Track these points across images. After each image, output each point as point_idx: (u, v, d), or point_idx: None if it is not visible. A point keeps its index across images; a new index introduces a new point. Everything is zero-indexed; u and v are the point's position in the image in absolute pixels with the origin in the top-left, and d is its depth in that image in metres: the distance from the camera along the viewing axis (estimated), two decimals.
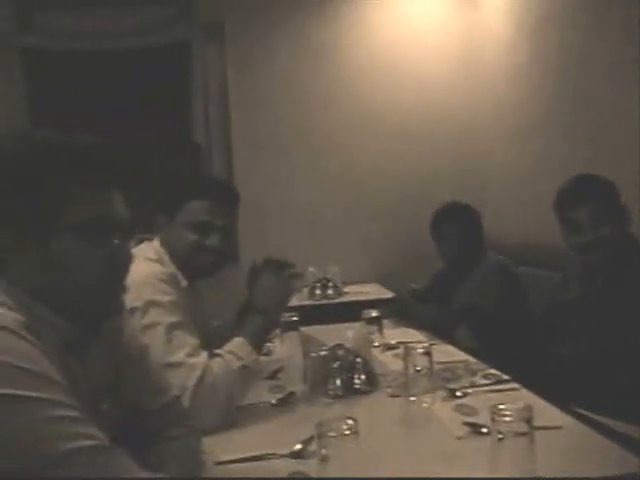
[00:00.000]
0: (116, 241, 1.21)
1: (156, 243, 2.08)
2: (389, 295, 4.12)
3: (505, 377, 2.05)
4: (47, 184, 1.14)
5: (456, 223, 3.27)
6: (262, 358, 2.10)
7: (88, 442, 1.02)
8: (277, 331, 2.27)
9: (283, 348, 2.36)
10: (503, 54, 4.49)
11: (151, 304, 1.84)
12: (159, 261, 2.02)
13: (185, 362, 1.78)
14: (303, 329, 2.40)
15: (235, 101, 4.79)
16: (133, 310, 1.74)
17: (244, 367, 1.86)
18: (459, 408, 1.78)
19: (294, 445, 1.54)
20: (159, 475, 1.19)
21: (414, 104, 4.89)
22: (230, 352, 1.87)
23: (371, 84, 4.88)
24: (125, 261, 1.25)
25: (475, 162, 4.85)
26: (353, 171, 4.87)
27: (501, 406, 1.24)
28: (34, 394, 1.00)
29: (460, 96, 4.90)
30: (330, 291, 4.40)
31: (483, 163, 4.82)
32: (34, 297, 1.14)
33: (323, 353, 1.96)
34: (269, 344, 2.39)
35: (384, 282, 4.59)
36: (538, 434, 1.24)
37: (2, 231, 1.14)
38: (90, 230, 1.17)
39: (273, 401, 1.95)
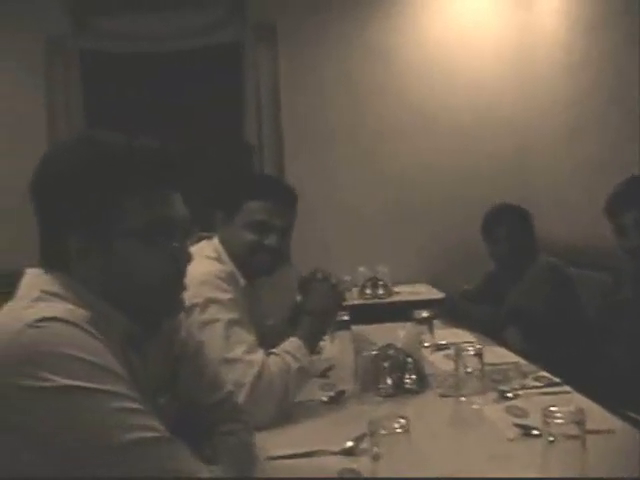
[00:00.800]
0: (176, 243, 1.25)
1: (215, 241, 2.12)
2: (439, 295, 4.11)
3: (556, 380, 2.05)
4: (108, 188, 1.17)
5: (507, 225, 3.25)
6: (313, 356, 2.13)
7: (149, 434, 1.06)
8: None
9: (334, 347, 2.39)
10: (556, 52, 4.44)
11: (210, 301, 1.88)
12: (218, 259, 2.06)
13: (243, 359, 1.81)
14: (354, 328, 2.42)
15: (287, 101, 4.83)
16: (192, 307, 1.78)
17: (301, 368, 1.90)
18: (510, 410, 1.78)
19: (344, 442, 1.56)
20: (214, 467, 1.22)
21: (465, 102, 4.87)
22: (287, 352, 1.90)
23: (421, 83, 4.88)
24: (185, 261, 1.28)
25: (525, 161, 4.81)
26: (404, 171, 4.87)
27: (553, 408, 1.25)
28: (98, 386, 1.04)
29: (511, 94, 4.86)
30: (380, 290, 4.40)
31: (534, 162, 4.78)
32: (97, 295, 1.18)
33: (374, 352, 1.98)
34: (320, 342, 2.41)
35: (434, 282, 4.58)
36: (590, 438, 1.24)
37: (66, 237, 1.17)
38: (152, 233, 1.19)
39: (324, 399, 1.98)
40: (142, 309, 1.23)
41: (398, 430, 1.21)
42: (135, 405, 1.07)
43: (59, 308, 1.10)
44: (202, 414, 1.44)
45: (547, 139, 4.64)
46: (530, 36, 4.79)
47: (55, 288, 1.15)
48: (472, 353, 1.79)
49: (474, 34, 4.89)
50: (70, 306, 1.12)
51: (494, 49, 4.89)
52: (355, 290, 4.39)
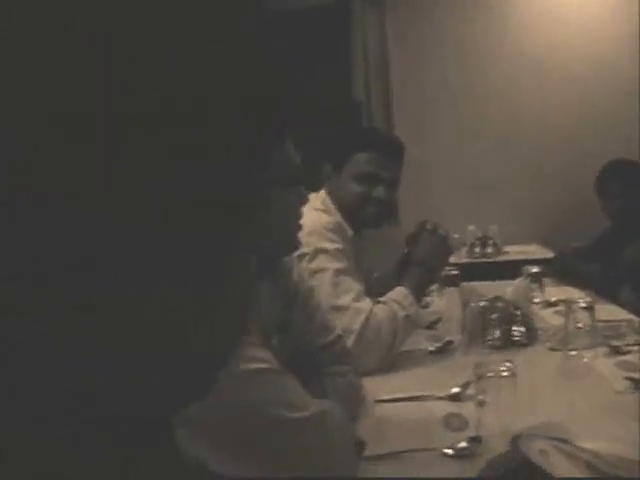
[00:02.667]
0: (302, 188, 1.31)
1: (322, 193, 2.15)
2: (549, 255, 4.02)
3: None
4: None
5: (622, 180, 3.15)
6: (421, 309, 2.15)
7: (266, 365, 1.11)
8: (435, 285, 2.31)
9: (442, 301, 2.40)
10: None
11: (319, 251, 1.92)
12: (326, 211, 2.10)
13: (351, 306, 1.85)
14: (462, 284, 2.42)
15: (395, 60, 4.78)
16: (301, 256, 1.83)
17: (407, 317, 1.92)
18: (621, 364, 1.75)
19: (450, 389, 1.58)
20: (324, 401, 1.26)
21: (581, 57, 4.68)
22: (394, 300, 1.93)
23: (537, 42, 4.70)
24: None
25: None
26: (516, 129, 4.75)
27: None
28: None
29: (630, 47, 4.63)
30: (489, 249, 4.35)
31: None
32: None
33: (482, 303, 1.98)
34: (427, 297, 2.43)
35: (546, 242, 4.47)
36: None
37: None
38: (290, 180, 1.27)
39: (431, 348, 2.00)
40: (265, 250, 1.29)
41: (504, 374, 1.22)
42: (251, 338, 1.12)
43: None
44: (312, 356, 1.49)
45: None
46: None
47: None
48: (583, 306, 1.77)
49: None
50: None
51: (613, 3, 4.66)
52: (464, 249, 4.35)
